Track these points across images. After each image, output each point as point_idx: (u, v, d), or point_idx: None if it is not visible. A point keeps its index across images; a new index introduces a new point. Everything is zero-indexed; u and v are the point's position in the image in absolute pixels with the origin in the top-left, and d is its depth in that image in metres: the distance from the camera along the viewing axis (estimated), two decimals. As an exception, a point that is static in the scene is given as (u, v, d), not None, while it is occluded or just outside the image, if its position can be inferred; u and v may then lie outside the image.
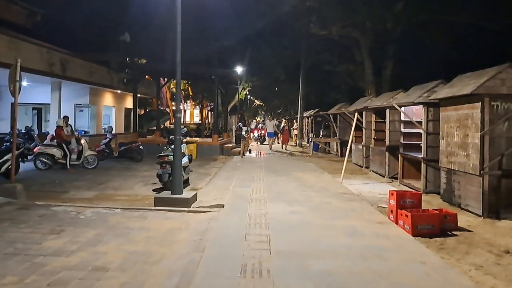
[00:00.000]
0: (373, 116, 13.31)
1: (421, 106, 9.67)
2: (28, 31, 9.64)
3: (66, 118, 12.70)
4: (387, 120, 11.86)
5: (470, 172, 7.28)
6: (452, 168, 8.01)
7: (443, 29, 17.77)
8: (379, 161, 12.59)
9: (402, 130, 10.96)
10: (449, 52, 18.19)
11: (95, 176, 11.05)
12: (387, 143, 11.80)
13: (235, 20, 22.20)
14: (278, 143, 24.63)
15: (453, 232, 6.10)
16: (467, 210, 7.37)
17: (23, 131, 16.08)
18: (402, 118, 10.93)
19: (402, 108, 10.45)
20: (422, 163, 9.48)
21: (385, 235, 5.62)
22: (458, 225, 6.32)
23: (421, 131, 9.61)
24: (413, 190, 9.10)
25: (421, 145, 9.70)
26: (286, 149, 22.04)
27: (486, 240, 5.70)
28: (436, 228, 6.00)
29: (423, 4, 16.50)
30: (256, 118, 60.57)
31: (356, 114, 11.93)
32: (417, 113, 10.57)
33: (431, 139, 9.34)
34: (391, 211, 6.69)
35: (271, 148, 21.99)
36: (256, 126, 35.03)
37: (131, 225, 5.66)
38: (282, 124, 25.44)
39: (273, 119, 25.89)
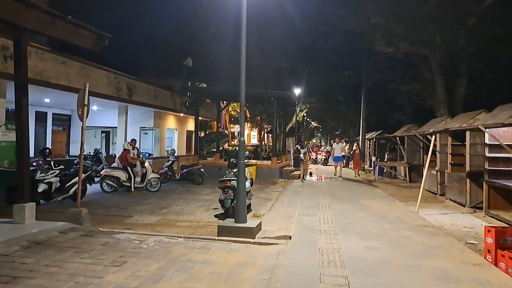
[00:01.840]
0: (449, 138, 12.15)
1: (511, 127, 8.54)
2: (96, 55, 9.98)
3: (133, 141, 12.95)
4: (467, 143, 10.72)
5: None
6: (557, 200, 6.83)
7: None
8: (458, 188, 11.37)
9: (487, 154, 9.77)
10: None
11: (158, 199, 11.01)
12: (467, 168, 10.63)
13: (294, 41, 22.00)
14: (346, 167, 23.04)
15: None
16: None
17: (92, 153, 16.74)
18: (487, 141, 9.77)
19: (488, 130, 9.32)
20: (514, 192, 8.29)
21: (487, 281, 4.73)
22: None
23: (512, 156, 8.46)
24: (509, 225, 7.98)
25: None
26: (358, 175, 19.37)
27: None
28: (549, 274, 4.98)
29: (498, 17, 15.14)
30: (312, 140, 59.63)
31: (433, 137, 10.88)
32: (505, 135, 9.40)
33: (525, 165, 8.17)
34: (488, 250, 5.73)
35: (338, 174, 19.37)
36: (311, 148, 33.99)
37: (194, 258, 5.28)
38: (353, 148, 23.04)
39: (340, 141, 23.31)
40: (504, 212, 9.07)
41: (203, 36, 21.76)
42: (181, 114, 21.70)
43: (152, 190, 12.41)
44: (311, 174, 19.41)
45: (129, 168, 12.05)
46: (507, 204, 9.19)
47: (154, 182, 12.61)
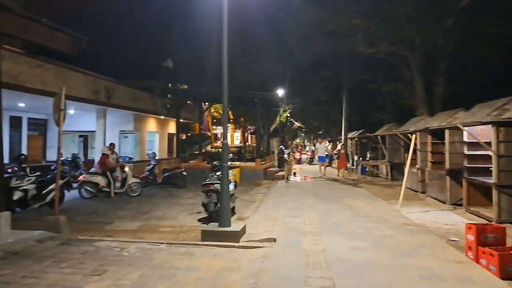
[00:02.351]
0: (429, 137, 12.32)
1: (489, 125, 8.69)
2: (72, 59, 9.74)
3: (112, 145, 12.68)
4: (447, 141, 10.87)
5: (562, 201, 6.24)
6: (535, 196, 6.97)
7: (495, 43, 16.59)
8: (438, 186, 11.52)
9: (466, 152, 9.93)
10: (503, 67, 16.93)
11: (139, 204, 10.79)
12: (447, 166, 10.78)
13: (276, 42, 22.01)
14: (330, 166, 22.98)
15: (550, 275, 5.11)
16: (560, 246, 6.29)
17: (70, 158, 16.35)
18: (465, 139, 9.92)
19: (467, 128, 9.47)
20: (493, 189, 8.42)
21: (469, 279, 4.77)
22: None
23: (490, 153, 8.60)
24: (488, 221, 8.12)
25: (490, 168, 8.67)
26: (344, 176, 18.89)
27: None
28: (530, 270, 5.05)
29: (474, 18, 15.49)
30: (296, 140, 59.93)
31: (414, 135, 11.01)
32: (482, 133, 9.54)
33: (503, 162, 8.31)
34: (469, 247, 5.78)
35: (323, 175, 18.94)
36: (295, 149, 34.03)
37: (177, 264, 5.16)
38: (338, 147, 22.70)
39: (323, 141, 23.01)
40: (483, 209, 9.23)
41: (184, 37, 21.56)
42: (162, 117, 21.42)
43: (132, 195, 12.16)
44: (295, 174, 19.43)
45: (108, 173, 11.78)
46: (486, 201, 9.34)
47: (135, 186, 12.35)
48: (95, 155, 16.66)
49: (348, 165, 24.44)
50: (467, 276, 4.86)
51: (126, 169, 12.28)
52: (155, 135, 22.17)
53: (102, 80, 15.37)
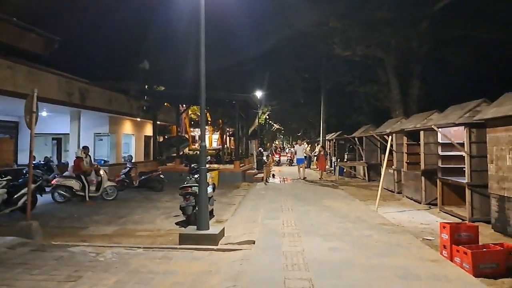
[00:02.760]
0: (405, 138, 12.58)
1: (462, 127, 8.94)
2: (45, 60, 9.44)
3: (86, 148, 12.39)
4: (422, 142, 11.13)
5: (531, 200, 6.46)
6: (505, 195, 7.19)
7: (468, 47, 17.17)
8: (413, 186, 11.78)
9: (440, 153, 10.18)
10: (475, 70, 17.55)
11: (115, 208, 10.57)
12: (422, 167, 11.03)
13: (255, 43, 22.04)
14: (309, 168, 22.97)
15: (520, 271, 5.27)
16: (529, 243, 6.50)
17: (43, 162, 15.88)
18: (440, 140, 10.17)
19: (440, 130, 9.71)
20: (466, 189, 8.65)
21: (444, 277, 4.86)
22: (525, 263, 5.49)
23: (463, 154, 8.84)
24: (462, 220, 8.34)
25: (463, 169, 8.91)
26: (322, 178, 18.69)
27: None
28: (501, 266, 5.20)
29: (448, 21, 15.99)
30: (275, 142, 60.17)
31: (390, 137, 11.21)
32: (456, 134, 9.83)
33: (475, 162, 8.55)
34: (444, 246, 5.92)
35: (303, 178, 18.41)
36: (273, 151, 34.11)
37: (155, 269, 5.06)
38: (317, 149, 22.48)
39: (302, 143, 22.72)
40: (457, 208, 9.48)
41: (160, 38, 21.29)
42: (138, 119, 21.08)
43: (108, 199, 11.90)
44: (274, 176, 19.46)
45: (82, 177, 11.49)
46: (459, 200, 9.60)
47: (110, 190, 12.08)
48: (69, 158, 16.23)
49: (327, 166, 24.71)
50: (442, 274, 4.96)
51: (101, 172, 12.01)
52: (131, 138, 21.78)
53: (76, 82, 14.97)
